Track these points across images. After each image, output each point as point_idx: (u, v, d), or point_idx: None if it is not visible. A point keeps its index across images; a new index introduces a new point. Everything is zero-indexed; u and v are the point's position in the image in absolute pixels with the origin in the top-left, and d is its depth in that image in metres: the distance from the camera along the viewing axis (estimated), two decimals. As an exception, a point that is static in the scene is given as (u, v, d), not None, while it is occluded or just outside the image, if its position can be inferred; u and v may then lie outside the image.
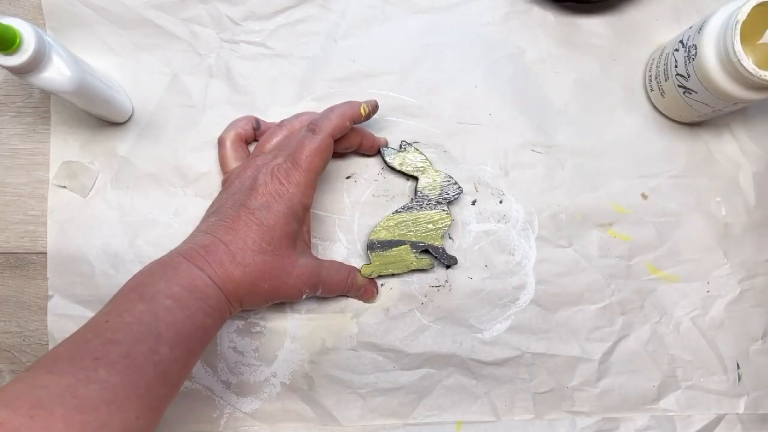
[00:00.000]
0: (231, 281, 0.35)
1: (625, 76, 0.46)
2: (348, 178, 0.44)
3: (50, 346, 0.43)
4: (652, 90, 0.45)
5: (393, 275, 0.43)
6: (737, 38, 0.35)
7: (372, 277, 0.43)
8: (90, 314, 0.42)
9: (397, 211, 0.43)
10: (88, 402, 0.28)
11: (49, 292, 0.43)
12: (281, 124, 0.42)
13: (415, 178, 0.43)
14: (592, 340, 0.44)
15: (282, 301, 0.39)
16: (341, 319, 0.43)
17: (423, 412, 0.43)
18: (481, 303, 0.44)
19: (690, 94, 0.41)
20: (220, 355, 0.43)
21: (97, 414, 0.28)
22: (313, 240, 0.44)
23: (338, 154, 0.44)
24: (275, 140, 0.41)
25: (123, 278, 0.42)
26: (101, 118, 0.43)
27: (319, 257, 0.42)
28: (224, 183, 0.41)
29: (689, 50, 0.39)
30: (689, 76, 0.40)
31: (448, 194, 0.43)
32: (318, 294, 0.40)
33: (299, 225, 0.38)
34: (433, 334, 0.43)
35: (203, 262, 0.35)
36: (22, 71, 0.34)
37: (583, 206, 0.45)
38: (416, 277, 0.44)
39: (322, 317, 0.43)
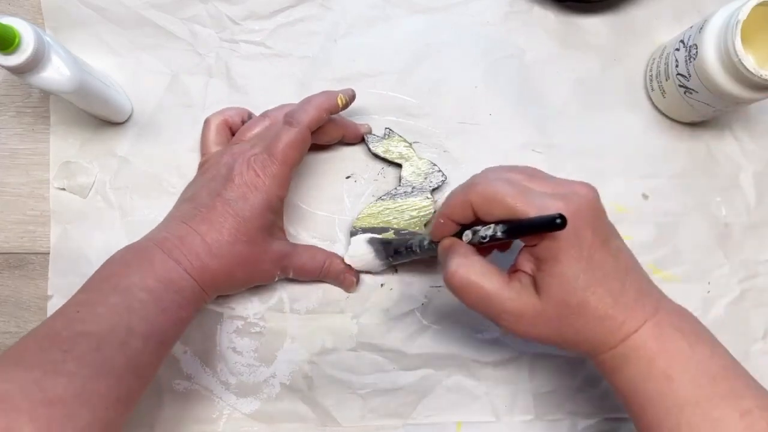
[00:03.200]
0: (207, 273, 0.36)
1: (626, 75, 0.46)
2: (348, 178, 0.44)
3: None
4: (652, 90, 0.45)
5: None
6: (738, 38, 0.35)
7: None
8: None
9: (380, 198, 0.43)
10: (55, 395, 0.28)
11: (49, 293, 0.43)
12: (264, 115, 0.42)
13: (399, 166, 0.43)
14: (592, 340, 0.44)
15: (257, 284, 0.41)
16: (341, 319, 0.43)
17: (423, 412, 0.43)
18: (482, 303, 0.44)
19: (691, 93, 0.41)
20: (219, 356, 0.43)
21: (64, 406, 0.28)
22: (312, 240, 0.44)
23: (324, 146, 0.44)
24: (256, 130, 0.40)
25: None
26: (100, 117, 0.43)
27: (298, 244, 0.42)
28: (201, 166, 0.41)
29: (690, 50, 0.39)
30: (690, 76, 0.40)
31: (432, 182, 0.43)
32: (290, 276, 0.41)
33: (274, 216, 0.38)
34: (433, 334, 0.43)
35: (179, 254, 0.35)
36: (21, 71, 0.34)
37: (583, 206, 0.44)
38: (416, 277, 0.44)
39: (322, 317, 0.43)
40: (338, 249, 0.43)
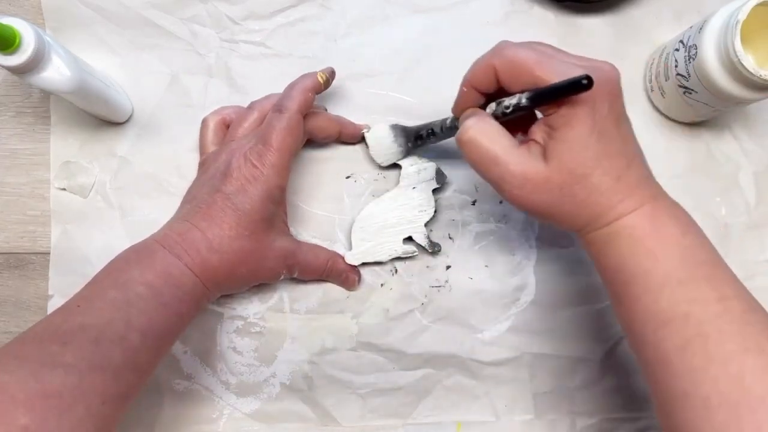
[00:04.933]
0: (209, 269, 0.36)
1: (625, 76, 0.45)
2: (348, 178, 0.44)
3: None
4: (652, 90, 0.45)
5: (376, 263, 0.43)
6: (738, 38, 0.35)
7: (355, 264, 0.43)
8: (89, 314, 0.42)
9: (380, 198, 0.43)
10: (52, 387, 0.28)
11: (50, 292, 0.43)
12: (251, 107, 0.41)
13: (399, 166, 0.43)
14: (592, 340, 0.44)
15: (261, 282, 0.40)
16: (341, 319, 0.43)
17: (423, 412, 0.43)
18: (482, 303, 0.44)
19: (690, 94, 0.41)
20: (219, 356, 0.43)
21: (60, 399, 0.28)
22: (312, 240, 0.44)
23: (323, 146, 0.44)
24: (246, 124, 0.40)
25: (123, 278, 0.42)
26: (101, 117, 0.43)
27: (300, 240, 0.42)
28: (201, 166, 0.41)
29: (689, 50, 0.39)
30: (689, 76, 0.40)
31: (432, 182, 0.43)
32: (295, 276, 0.41)
33: (276, 207, 0.38)
34: (433, 334, 0.43)
35: (179, 249, 0.35)
36: (21, 71, 0.34)
37: (583, 206, 0.44)
38: (416, 277, 0.44)
39: (322, 317, 0.43)
40: (338, 249, 0.43)
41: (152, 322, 0.33)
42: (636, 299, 0.30)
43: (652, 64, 0.45)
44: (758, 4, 0.35)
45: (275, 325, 0.43)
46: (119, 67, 0.44)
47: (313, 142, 0.42)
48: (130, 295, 0.33)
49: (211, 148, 0.41)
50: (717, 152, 0.46)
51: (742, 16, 0.35)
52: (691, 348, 0.28)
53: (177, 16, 0.45)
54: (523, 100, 0.31)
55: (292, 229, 0.43)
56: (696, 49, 0.38)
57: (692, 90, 0.40)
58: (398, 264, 0.44)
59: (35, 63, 0.34)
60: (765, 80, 0.35)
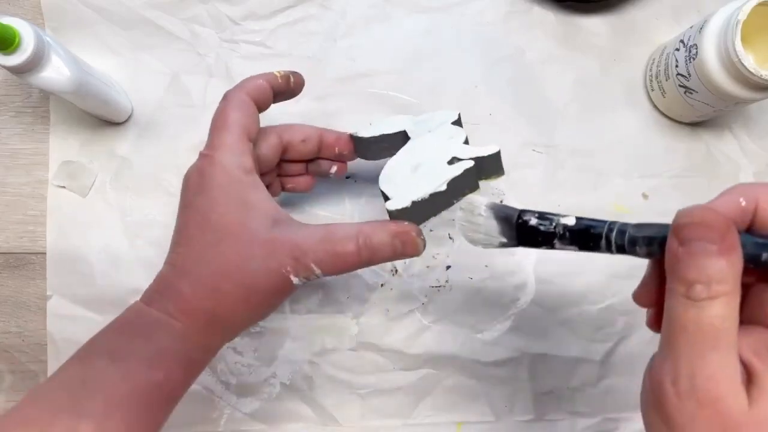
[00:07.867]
0: (183, 300, 0.29)
1: (626, 76, 0.46)
2: (348, 178, 0.44)
3: (49, 347, 0.43)
4: (652, 90, 0.45)
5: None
6: (738, 38, 0.35)
7: (402, 207, 0.30)
8: (89, 314, 0.42)
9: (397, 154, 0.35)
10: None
11: (48, 292, 0.43)
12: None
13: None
14: (593, 340, 0.44)
15: (272, 297, 0.31)
16: (341, 319, 0.43)
17: (423, 412, 0.43)
18: (482, 303, 0.44)
19: (691, 93, 0.41)
20: (219, 356, 0.43)
21: None
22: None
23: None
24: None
25: (123, 278, 0.43)
26: (100, 117, 0.43)
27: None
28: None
29: (690, 50, 0.39)
30: (690, 76, 0.40)
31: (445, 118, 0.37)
32: (317, 273, 0.30)
33: (247, 190, 0.31)
34: (433, 334, 0.43)
35: (159, 303, 0.30)
36: (21, 71, 0.34)
37: (583, 206, 0.44)
38: (416, 277, 0.44)
39: (322, 317, 0.43)
40: (338, 249, 0.43)
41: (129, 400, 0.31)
42: None
43: (652, 63, 0.45)
44: (758, 4, 0.35)
45: (275, 325, 0.43)
46: (119, 67, 0.44)
47: (297, 159, 0.38)
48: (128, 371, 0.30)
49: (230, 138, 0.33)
50: (717, 152, 0.46)
51: (742, 16, 0.35)
52: None
53: (177, 17, 0.45)
54: None
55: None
56: (696, 48, 0.38)
57: (692, 90, 0.40)
58: (398, 264, 0.44)
59: (35, 63, 0.34)
60: (765, 80, 0.35)
